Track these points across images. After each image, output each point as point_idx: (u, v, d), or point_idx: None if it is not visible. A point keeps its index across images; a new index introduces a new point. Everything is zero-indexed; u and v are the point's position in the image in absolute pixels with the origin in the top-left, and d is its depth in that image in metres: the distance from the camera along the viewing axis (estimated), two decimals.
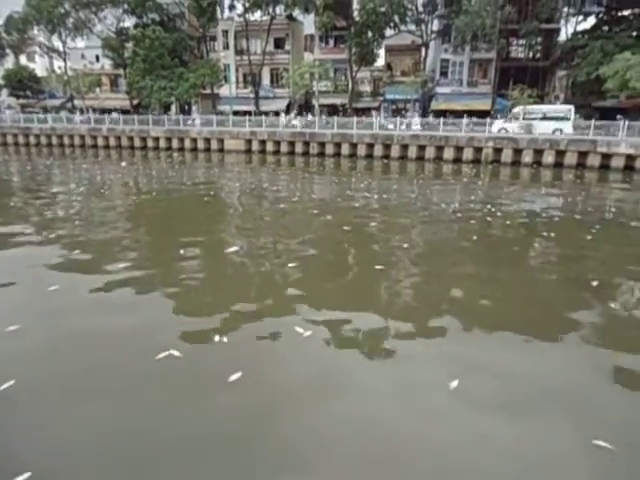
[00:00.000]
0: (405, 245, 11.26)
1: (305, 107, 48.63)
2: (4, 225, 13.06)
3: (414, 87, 40.94)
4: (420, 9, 39.89)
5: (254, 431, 4.67)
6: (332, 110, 43.63)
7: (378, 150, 30.32)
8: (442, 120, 31.71)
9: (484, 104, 39.66)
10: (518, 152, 27.15)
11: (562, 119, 29.38)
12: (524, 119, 29.90)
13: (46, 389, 5.33)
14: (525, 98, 37.17)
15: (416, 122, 33.69)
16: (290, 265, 9.52)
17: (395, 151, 29.86)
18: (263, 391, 5.30)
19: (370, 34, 40.09)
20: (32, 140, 39.84)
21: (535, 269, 9.97)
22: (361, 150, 30.73)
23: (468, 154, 28.26)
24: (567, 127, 28.83)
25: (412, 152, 29.44)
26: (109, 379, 5.50)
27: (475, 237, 12.04)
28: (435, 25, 41.72)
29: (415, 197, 18.60)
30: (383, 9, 37.34)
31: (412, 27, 41.51)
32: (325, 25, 40.26)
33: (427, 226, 13.83)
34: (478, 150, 28.10)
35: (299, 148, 32.31)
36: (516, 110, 31.68)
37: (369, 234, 12.63)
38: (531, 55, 44.31)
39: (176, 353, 5.87)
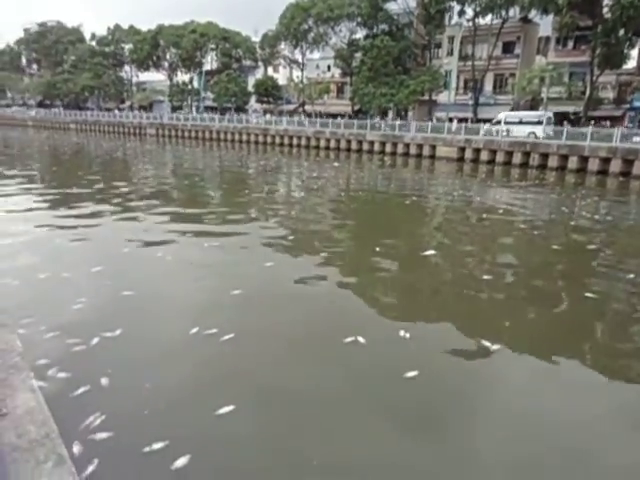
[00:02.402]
0: (631, 276, 9.28)
1: None
2: (234, 213, 15.23)
3: None
4: None
5: (422, 433, 4.48)
6: (561, 118, 39.14)
7: (615, 165, 25.97)
8: None
9: None
10: None
11: (535, 123, 32.66)
12: (505, 123, 33.39)
13: (254, 345, 6.04)
14: None
15: None
16: (485, 277, 8.86)
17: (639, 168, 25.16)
18: (438, 395, 5.13)
19: (622, 32, 34.58)
20: (269, 139, 45.86)
21: None
22: (593, 165, 26.76)
23: None
24: (539, 131, 31.80)
25: None
26: (303, 350, 6.03)
27: None
28: None
29: None
30: None
31: None
32: (567, 25, 36.24)
33: None
34: None
35: (517, 159, 29.84)
36: (500, 115, 35.07)
37: (585, 257, 10.87)
38: None
39: (361, 340, 6.07)
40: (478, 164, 30.98)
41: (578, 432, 4.68)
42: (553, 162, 28.28)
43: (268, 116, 52.85)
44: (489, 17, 42.65)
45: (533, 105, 44.19)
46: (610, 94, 41.23)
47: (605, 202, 18.87)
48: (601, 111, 39.80)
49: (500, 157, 30.59)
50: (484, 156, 31.32)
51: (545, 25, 42.69)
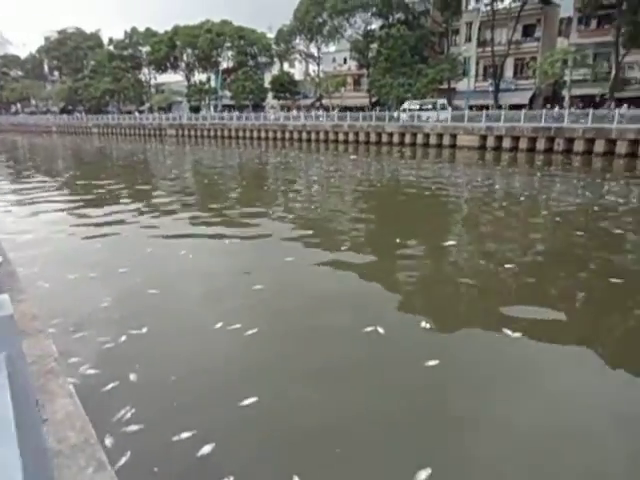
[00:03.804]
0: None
1: (552, 99, 43.70)
2: (254, 209, 15.30)
3: None
4: None
5: (440, 422, 4.47)
6: (587, 102, 38.06)
7: None
8: None
9: None
10: None
11: (431, 109, 39.01)
12: (409, 110, 39.87)
13: (277, 339, 6.10)
14: None
15: None
16: (507, 266, 8.74)
17: None
18: (457, 384, 5.14)
19: None
20: (287, 135, 45.91)
21: None
22: (621, 148, 26.00)
23: None
24: (433, 115, 37.77)
25: None
26: (323, 342, 6.06)
27: None
28: None
29: None
30: None
31: None
32: (590, 4, 35.16)
33: None
34: None
35: (540, 145, 29.24)
36: (405, 104, 41.68)
37: (610, 242, 10.64)
38: None
39: (381, 330, 6.09)
40: (500, 152, 30.43)
41: (598, 417, 4.57)
42: (579, 147, 27.58)
43: (289, 112, 52.84)
44: (507, 0, 41.73)
45: (556, 89, 43.11)
46: (638, 74, 39.88)
47: (635, 187, 18.27)
48: (630, 92, 38.52)
49: (523, 144, 30.03)
50: (506, 143, 30.80)
51: (566, 5, 41.60)
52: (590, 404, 4.79)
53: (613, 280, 7.85)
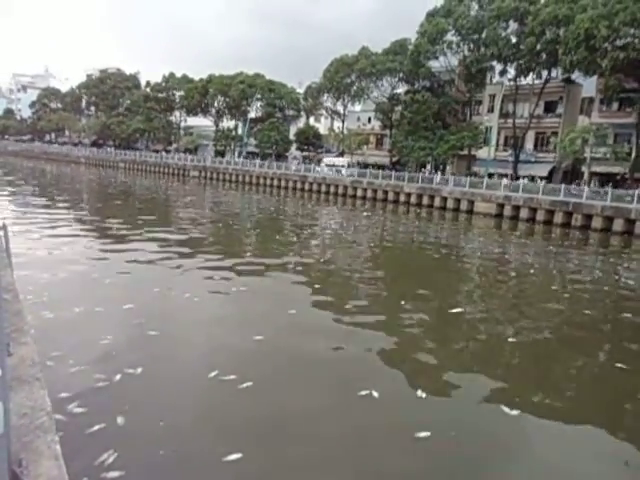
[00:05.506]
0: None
1: (571, 174, 44.06)
2: (264, 258, 15.29)
3: None
4: None
5: None
6: (605, 179, 38.27)
7: None
8: None
9: None
10: None
11: (342, 167, 48.07)
12: (326, 166, 49.03)
13: (271, 395, 5.90)
14: None
15: None
16: (510, 340, 8.57)
17: None
18: (446, 461, 4.95)
19: None
20: (307, 186, 46.66)
21: None
22: None
23: None
24: (344, 171, 46.19)
25: None
26: (317, 402, 5.87)
27: None
28: None
29: None
30: None
31: None
32: (612, 88, 36.07)
33: None
34: None
35: (558, 218, 29.12)
36: (325, 160, 52.22)
37: (619, 325, 10.36)
38: None
39: (375, 394, 5.95)
40: (517, 222, 30.39)
41: None
42: (597, 223, 27.42)
43: (312, 164, 54.20)
44: (531, 77, 43.04)
45: (576, 165, 43.53)
46: None
47: None
48: None
49: (540, 216, 29.94)
50: (524, 214, 30.75)
51: (588, 86, 42.63)
52: None
53: (618, 365, 7.60)
